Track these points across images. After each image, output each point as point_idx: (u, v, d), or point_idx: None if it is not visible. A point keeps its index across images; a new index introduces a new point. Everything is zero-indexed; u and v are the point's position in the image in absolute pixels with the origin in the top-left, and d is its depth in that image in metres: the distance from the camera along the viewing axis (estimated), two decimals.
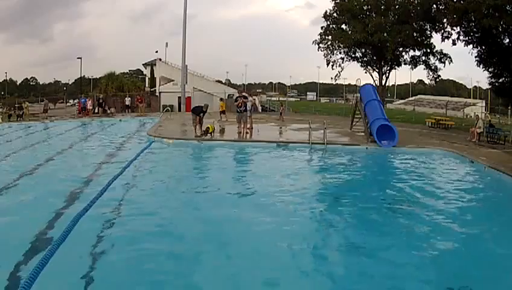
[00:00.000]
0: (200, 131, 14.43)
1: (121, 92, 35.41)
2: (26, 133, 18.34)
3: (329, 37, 27.83)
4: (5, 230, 5.29)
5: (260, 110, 24.22)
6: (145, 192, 7.59)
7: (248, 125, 15.68)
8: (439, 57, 26.16)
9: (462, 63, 31.31)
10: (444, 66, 26.48)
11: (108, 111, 28.90)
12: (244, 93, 16.50)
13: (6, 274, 4.01)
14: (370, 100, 15.43)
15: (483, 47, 19.65)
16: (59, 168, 9.75)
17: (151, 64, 45.53)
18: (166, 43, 55.79)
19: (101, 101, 29.61)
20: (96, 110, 28.69)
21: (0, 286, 3.78)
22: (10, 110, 28.34)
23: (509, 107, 24.50)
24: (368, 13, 26.57)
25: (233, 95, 29.60)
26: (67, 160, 11.17)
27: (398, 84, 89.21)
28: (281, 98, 46.49)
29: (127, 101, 29.98)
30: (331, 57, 28.02)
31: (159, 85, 36.64)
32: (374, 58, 27.47)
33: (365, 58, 28.13)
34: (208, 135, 13.83)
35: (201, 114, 14.76)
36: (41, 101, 31.64)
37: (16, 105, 28.12)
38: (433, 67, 26.91)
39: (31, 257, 4.44)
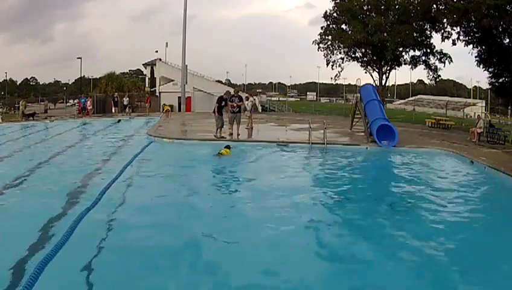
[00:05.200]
0: (219, 133, 14.07)
1: (121, 92, 35.41)
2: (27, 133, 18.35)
3: (329, 37, 27.88)
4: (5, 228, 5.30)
5: (260, 110, 24.21)
6: (144, 191, 7.60)
7: (248, 126, 15.63)
8: (439, 57, 26.20)
9: (462, 63, 31.43)
10: (444, 66, 26.59)
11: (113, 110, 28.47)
12: (240, 94, 15.70)
13: (7, 274, 4.01)
14: (370, 100, 15.43)
15: (483, 47, 19.68)
16: (56, 170, 9.74)
17: (151, 64, 45.59)
18: (166, 43, 56.11)
19: (116, 100, 28.54)
20: (115, 110, 27.99)
21: (1, 286, 3.78)
22: (27, 110, 26.68)
23: (509, 107, 24.53)
24: (368, 13, 26.59)
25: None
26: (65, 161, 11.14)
27: (398, 84, 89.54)
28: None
29: (125, 101, 29.92)
30: (331, 57, 28.13)
31: (159, 85, 36.63)
32: (374, 58, 27.48)
33: (365, 58, 28.15)
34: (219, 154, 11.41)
35: (223, 102, 14.01)
36: (41, 101, 31.61)
37: (16, 105, 28.02)
38: (433, 67, 26.93)
39: (32, 255, 4.44)
